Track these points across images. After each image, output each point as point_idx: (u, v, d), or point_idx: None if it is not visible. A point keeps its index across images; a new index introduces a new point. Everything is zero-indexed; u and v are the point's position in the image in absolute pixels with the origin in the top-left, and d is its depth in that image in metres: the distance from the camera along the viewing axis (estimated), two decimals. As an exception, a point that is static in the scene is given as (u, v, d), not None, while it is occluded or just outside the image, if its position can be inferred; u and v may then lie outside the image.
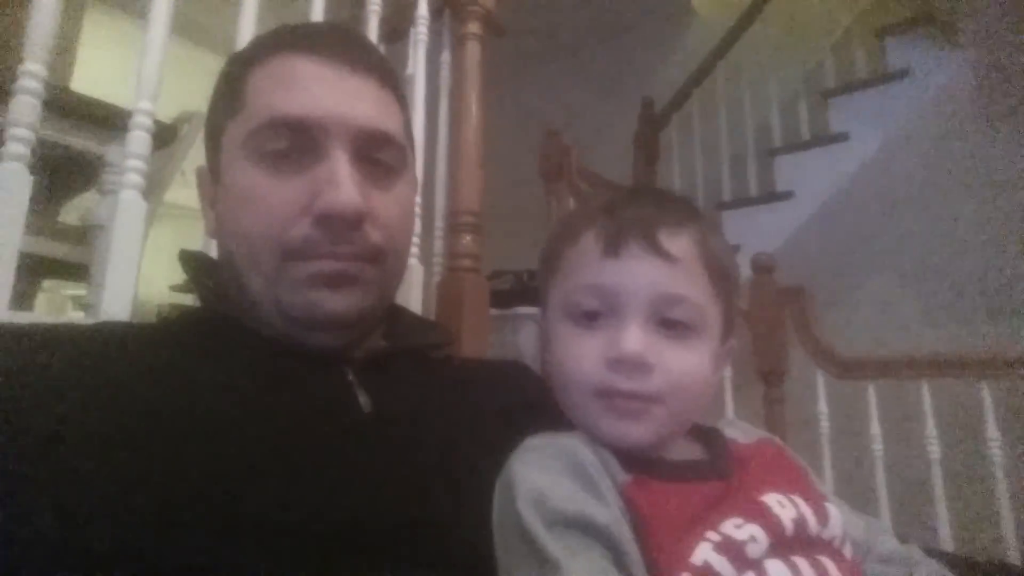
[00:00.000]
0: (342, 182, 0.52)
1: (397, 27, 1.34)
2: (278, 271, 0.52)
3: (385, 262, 0.57)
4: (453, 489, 0.48)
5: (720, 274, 0.50)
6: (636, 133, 3.15)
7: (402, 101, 0.62)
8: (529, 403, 0.58)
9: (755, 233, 2.64)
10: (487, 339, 1.19)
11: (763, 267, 2.02)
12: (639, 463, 0.46)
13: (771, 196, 2.77)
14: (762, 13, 2.87)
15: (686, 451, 0.51)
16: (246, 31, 0.97)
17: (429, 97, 1.26)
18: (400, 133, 0.59)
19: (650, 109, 3.16)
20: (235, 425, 0.46)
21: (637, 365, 0.46)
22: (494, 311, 1.25)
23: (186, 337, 0.54)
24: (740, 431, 0.56)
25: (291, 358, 0.53)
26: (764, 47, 2.89)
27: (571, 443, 0.46)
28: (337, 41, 0.57)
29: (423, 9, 1.29)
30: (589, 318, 0.49)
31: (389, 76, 0.60)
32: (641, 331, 0.46)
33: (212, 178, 0.59)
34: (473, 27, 1.30)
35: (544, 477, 0.43)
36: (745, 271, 2.14)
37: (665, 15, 3.58)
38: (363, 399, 0.53)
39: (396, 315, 0.67)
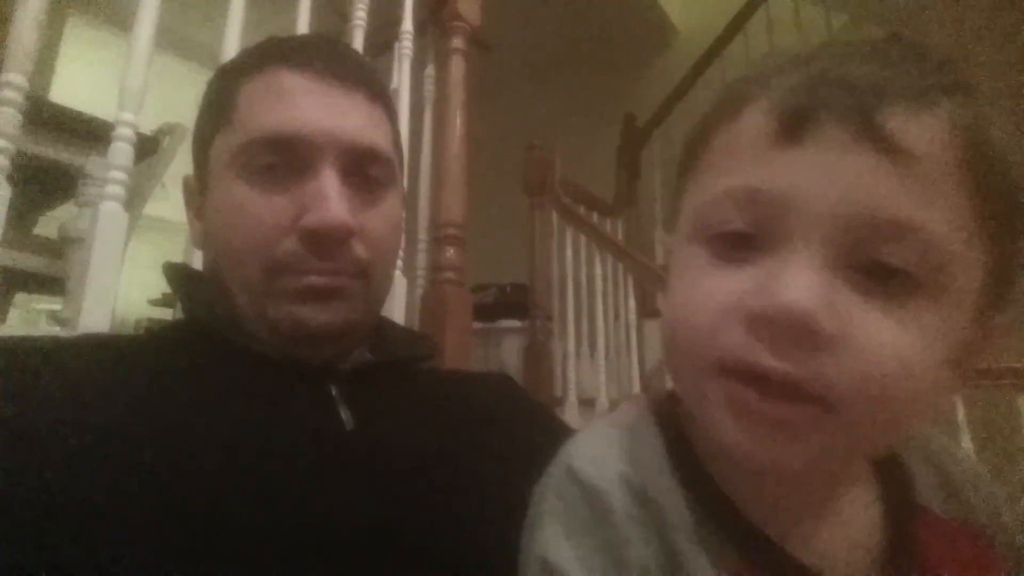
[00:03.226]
0: (330, 199, 0.52)
1: (382, 41, 1.35)
2: (264, 285, 0.52)
3: (372, 276, 0.56)
4: (435, 505, 0.48)
5: (996, 189, 0.28)
6: (618, 148, 3.18)
7: (391, 114, 0.62)
8: (513, 415, 0.57)
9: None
10: (470, 352, 1.19)
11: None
12: (759, 543, 0.30)
13: (751, 211, 2.80)
14: (741, 31, 2.93)
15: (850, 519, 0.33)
16: (231, 43, 0.97)
17: (413, 110, 1.27)
18: (389, 148, 0.59)
19: (632, 124, 3.20)
20: (215, 441, 0.45)
21: (802, 333, 0.27)
22: (477, 324, 1.25)
23: (169, 350, 0.53)
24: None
25: (274, 373, 0.53)
26: (743, 64, 2.93)
27: (607, 481, 0.33)
28: (327, 55, 0.57)
29: (408, 24, 1.30)
30: (734, 246, 0.30)
31: (378, 89, 0.60)
32: (817, 275, 0.28)
33: (199, 189, 0.59)
34: (457, 42, 1.32)
35: (551, 536, 0.32)
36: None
37: (647, 33, 3.64)
38: (345, 415, 0.52)
39: (381, 327, 0.66)
